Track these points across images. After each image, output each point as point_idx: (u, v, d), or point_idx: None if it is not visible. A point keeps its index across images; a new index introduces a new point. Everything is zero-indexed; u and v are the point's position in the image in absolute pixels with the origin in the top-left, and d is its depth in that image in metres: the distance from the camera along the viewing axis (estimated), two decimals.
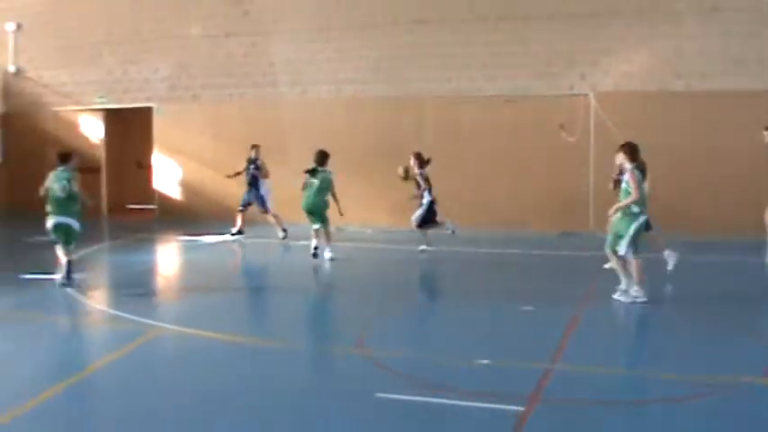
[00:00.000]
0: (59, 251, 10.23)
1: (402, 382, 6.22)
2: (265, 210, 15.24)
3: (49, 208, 10.23)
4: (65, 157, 10.45)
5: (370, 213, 16.72)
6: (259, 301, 10.59)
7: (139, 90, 19.48)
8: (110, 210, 20.26)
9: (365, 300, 9.88)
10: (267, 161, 15.42)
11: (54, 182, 10.22)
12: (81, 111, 20.24)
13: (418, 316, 9.47)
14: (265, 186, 15.28)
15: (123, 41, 19.52)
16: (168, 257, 14.97)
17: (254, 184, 15.25)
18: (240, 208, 15.36)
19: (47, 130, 20.17)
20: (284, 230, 14.84)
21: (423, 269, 12.60)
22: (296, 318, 9.16)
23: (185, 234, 16.00)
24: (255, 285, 11.89)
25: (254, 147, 15.41)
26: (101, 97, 19.81)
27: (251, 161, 15.35)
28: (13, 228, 16.00)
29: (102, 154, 20.26)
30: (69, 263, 10.18)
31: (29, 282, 10.50)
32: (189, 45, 18.82)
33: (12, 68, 20.82)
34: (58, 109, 20.36)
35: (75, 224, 10.25)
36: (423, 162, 13.33)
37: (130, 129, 20.53)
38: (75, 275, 10.24)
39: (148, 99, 19.33)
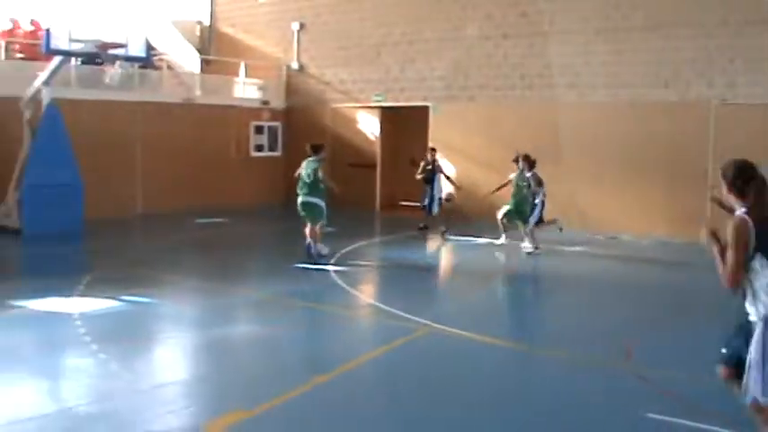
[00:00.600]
0: (306, 230, 15.50)
1: (674, 404, 7.65)
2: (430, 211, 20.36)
3: (298, 190, 15.60)
4: (316, 149, 15.81)
5: (646, 223, 20.60)
6: (526, 305, 13.70)
7: (416, 89, 24.68)
8: (382, 206, 25.79)
9: (632, 311, 12.23)
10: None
11: (305, 168, 15.57)
12: (358, 108, 25.96)
13: (689, 332, 10.84)
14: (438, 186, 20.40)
15: (401, 41, 24.83)
16: (437, 256, 19.19)
17: (431, 183, 20.19)
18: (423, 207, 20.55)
19: (325, 125, 26.16)
20: (444, 230, 19.71)
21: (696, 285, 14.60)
22: (564, 325, 11.55)
23: (456, 234, 20.18)
24: (523, 289, 15.15)
25: (432, 150, 20.51)
26: (378, 95, 25.28)
27: (428, 163, 20.39)
28: (294, 220, 21.29)
29: (377, 150, 25.80)
30: (309, 246, 15.52)
31: (304, 271, 15.01)
32: (466, 46, 23.67)
33: (295, 66, 27.09)
34: (336, 105, 26.29)
35: (319, 202, 15.49)
36: (531, 164, 17.79)
37: (405, 127, 25.85)
38: (318, 252, 15.47)
39: (425, 98, 24.48)
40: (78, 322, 10.78)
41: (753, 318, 5.83)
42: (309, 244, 15.60)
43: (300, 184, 15.61)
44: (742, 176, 5.88)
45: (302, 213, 15.65)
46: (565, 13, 22.02)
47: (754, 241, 5.68)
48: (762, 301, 5.74)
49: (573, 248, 18.16)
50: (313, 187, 15.53)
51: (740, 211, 5.84)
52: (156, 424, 7.47)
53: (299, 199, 15.61)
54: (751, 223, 5.70)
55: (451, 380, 8.74)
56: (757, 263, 5.71)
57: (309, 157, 15.72)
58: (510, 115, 22.93)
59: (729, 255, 5.72)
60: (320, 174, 15.50)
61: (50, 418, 7.46)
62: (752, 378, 5.78)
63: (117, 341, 10.11)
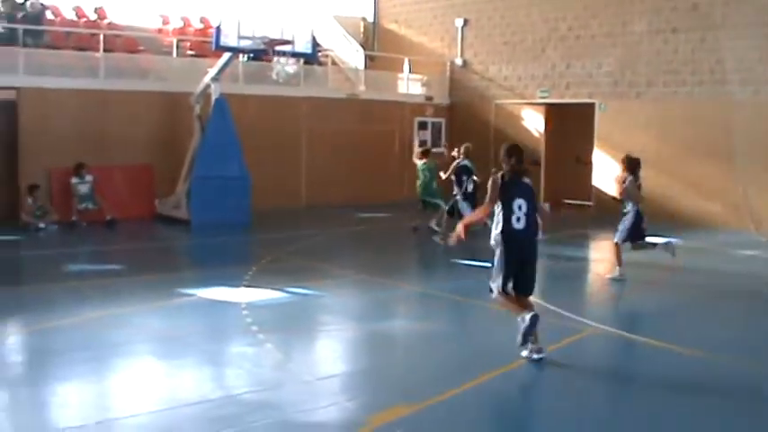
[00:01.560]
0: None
1: None
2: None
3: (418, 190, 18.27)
4: (425, 153, 18.71)
5: None
6: (693, 309, 12.32)
7: (582, 85, 24.20)
8: (546, 203, 25.40)
9: None
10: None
11: (421, 170, 18.20)
12: (522, 104, 25.63)
13: None
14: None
15: (567, 37, 24.40)
16: (601, 256, 18.86)
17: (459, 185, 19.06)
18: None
19: (488, 122, 25.95)
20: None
21: None
22: (740, 332, 10.90)
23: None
24: (689, 293, 13.61)
25: (464, 146, 18.40)
26: (543, 91, 24.93)
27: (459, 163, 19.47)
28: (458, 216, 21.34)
29: (541, 147, 25.43)
30: (415, 228, 18.28)
31: (464, 267, 14.79)
32: (634, 41, 23.05)
33: (459, 61, 27.00)
34: (500, 102, 26.02)
35: (434, 200, 18.11)
36: (631, 166, 14.15)
37: (571, 124, 25.38)
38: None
39: (590, 95, 23.97)
40: (245, 311, 11.01)
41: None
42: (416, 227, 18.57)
43: (420, 184, 18.44)
44: None
45: (426, 209, 18.44)
46: (738, 5, 21.15)
47: None
48: None
49: (745, 252, 17.36)
50: (428, 188, 18.25)
51: None
52: (320, 415, 7.55)
53: (420, 198, 18.63)
54: None
55: (626, 380, 8.63)
56: None
57: (420, 160, 18.65)
58: (679, 113, 22.19)
59: None
60: (431, 176, 18.21)
61: (215, 403, 7.63)
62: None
63: (282, 331, 10.29)
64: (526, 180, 9.07)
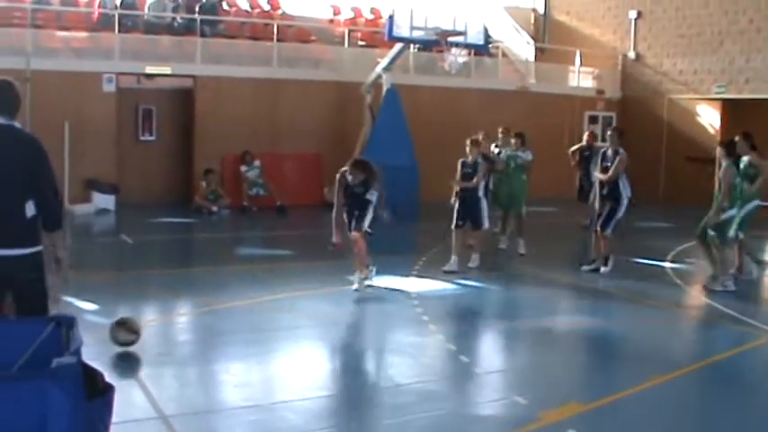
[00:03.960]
0: None
1: None
2: None
3: None
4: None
5: None
6: None
7: (762, 80, 23.22)
8: None
9: None
10: None
11: None
12: (697, 100, 24.79)
13: None
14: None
15: (747, 29, 23.45)
16: None
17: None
18: None
19: (661, 117, 25.23)
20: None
21: None
22: None
23: None
24: None
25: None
26: (720, 86, 24.05)
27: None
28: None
29: (716, 145, 24.50)
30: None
31: (637, 266, 14.44)
32: None
33: (632, 55, 26.33)
34: (673, 97, 25.24)
35: None
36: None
37: (749, 121, 24.37)
38: None
39: None
40: (415, 301, 11.09)
41: None
42: None
43: None
44: None
45: None
46: None
47: None
48: None
49: None
50: None
51: None
52: (490, 409, 7.54)
53: None
54: None
55: None
56: None
57: None
58: None
59: None
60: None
61: (385, 391, 7.75)
62: None
63: (452, 323, 10.34)
64: None
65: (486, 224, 13.72)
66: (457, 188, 13.48)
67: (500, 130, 15.89)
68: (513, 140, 15.48)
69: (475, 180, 13.32)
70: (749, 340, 9.73)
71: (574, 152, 18.69)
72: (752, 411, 7.59)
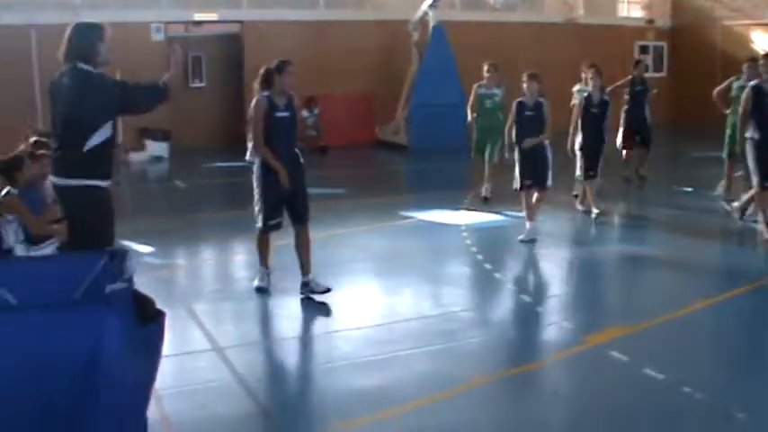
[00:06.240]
0: None
1: None
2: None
3: None
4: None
5: None
6: None
7: None
8: None
9: None
10: None
11: None
12: (752, 25, 24.32)
13: None
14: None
15: None
16: None
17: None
18: None
19: (714, 45, 24.79)
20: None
21: None
22: None
23: None
24: None
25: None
26: None
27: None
28: (680, 142, 20.50)
29: None
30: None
31: (686, 194, 14.31)
32: None
33: None
34: (727, 23, 24.77)
35: None
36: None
37: None
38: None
39: None
40: (464, 233, 11.24)
41: None
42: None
43: None
44: None
45: None
46: None
47: None
48: None
49: None
50: None
51: None
52: (537, 333, 7.79)
53: None
54: None
55: None
56: None
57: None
58: None
59: None
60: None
61: (433, 319, 7.92)
62: None
63: (500, 253, 10.47)
64: None
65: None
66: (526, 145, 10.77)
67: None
68: (486, 73, 13.30)
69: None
70: None
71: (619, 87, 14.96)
72: None
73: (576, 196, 12.68)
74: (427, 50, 19.77)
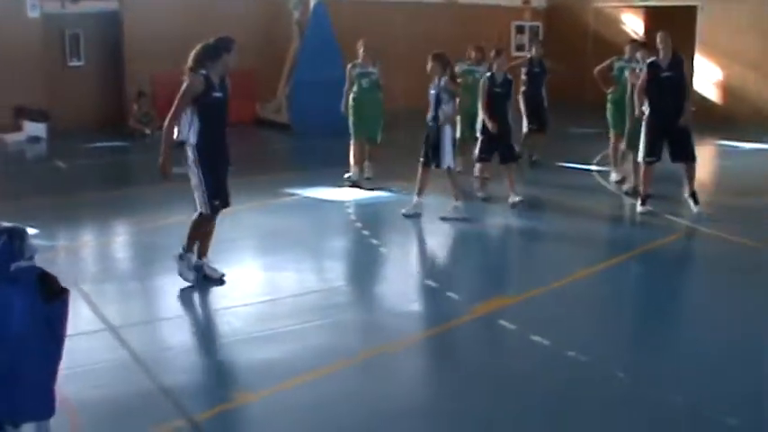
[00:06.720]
0: None
1: None
2: None
3: None
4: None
5: None
6: None
7: None
8: None
9: None
10: None
11: None
12: (622, 7, 25.16)
13: None
14: None
15: None
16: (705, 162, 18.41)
17: None
18: None
19: (587, 26, 25.56)
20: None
21: None
22: None
23: (723, 139, 19.18)
24: None
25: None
26: None
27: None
28: (558, 120, 21.14)
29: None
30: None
31: (566, 170, 14.76)
32: None
33: None
34: (599, 5, 25.55)
35: None
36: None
37: (671, 28, 24.81)
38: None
39: None
40: (349, 210, 11.45)
41: None
42: None
43: None
44: None
45: None
46: None
47: None
48: None
49: None
50: None
51: None
52: (422, 306, 8.09)
53: None
54: None
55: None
56: None
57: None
58: None
59: None
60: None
61: (318, 294, 8.16)
62: None
63: (386, 228, 10.70)
64: None
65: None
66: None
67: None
68: (362, 52, 13.47)
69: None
70: (668, 234, 10.49)
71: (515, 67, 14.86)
72: (668, 296, 8.32)
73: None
74: (308, 28, 19.79)
